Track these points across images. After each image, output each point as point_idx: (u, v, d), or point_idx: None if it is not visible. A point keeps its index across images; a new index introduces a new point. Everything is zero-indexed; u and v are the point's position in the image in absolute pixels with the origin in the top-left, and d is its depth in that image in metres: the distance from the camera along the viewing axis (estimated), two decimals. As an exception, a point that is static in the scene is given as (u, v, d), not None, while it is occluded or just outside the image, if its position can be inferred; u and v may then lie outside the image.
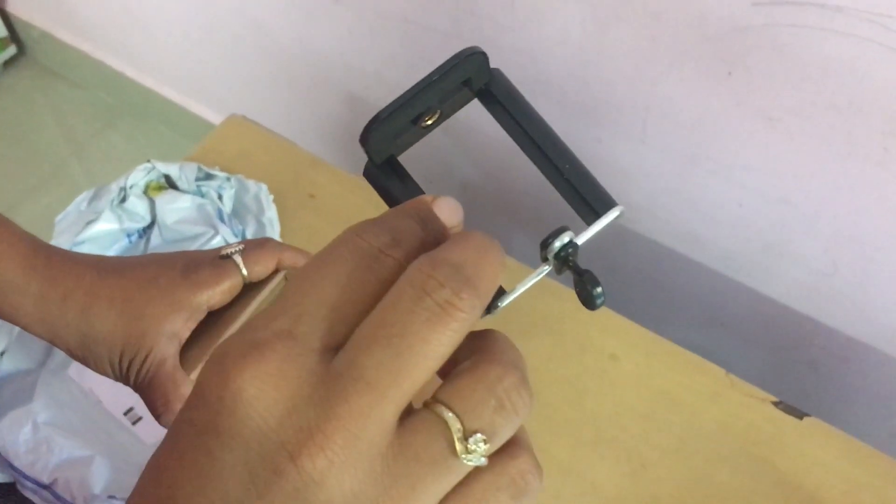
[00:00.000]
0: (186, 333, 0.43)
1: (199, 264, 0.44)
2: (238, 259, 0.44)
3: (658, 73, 0.77)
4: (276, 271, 0.46)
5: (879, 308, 0.82)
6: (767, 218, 0.82)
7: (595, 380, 0.74)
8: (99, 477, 0.62)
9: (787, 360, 0.93)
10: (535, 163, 0.34)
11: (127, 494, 0.62)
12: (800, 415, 0.71)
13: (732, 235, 0.87)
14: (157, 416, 0.41)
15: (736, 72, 0.73)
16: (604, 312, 0.78)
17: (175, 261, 0.44)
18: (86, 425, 0.69)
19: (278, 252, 0.46)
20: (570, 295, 0.79)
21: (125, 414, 0.71)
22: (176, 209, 0.81)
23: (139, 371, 0.41)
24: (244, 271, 0.44)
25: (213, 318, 0.44)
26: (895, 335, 0.83)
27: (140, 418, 0.70)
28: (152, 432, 0.70)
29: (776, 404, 0.72)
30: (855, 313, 0.84)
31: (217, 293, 0.43)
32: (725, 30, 0.70)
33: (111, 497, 0.60)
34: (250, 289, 0.45)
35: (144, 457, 0.68)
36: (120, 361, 0.42)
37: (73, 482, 0.62)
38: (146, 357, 0.41)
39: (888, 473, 0.67)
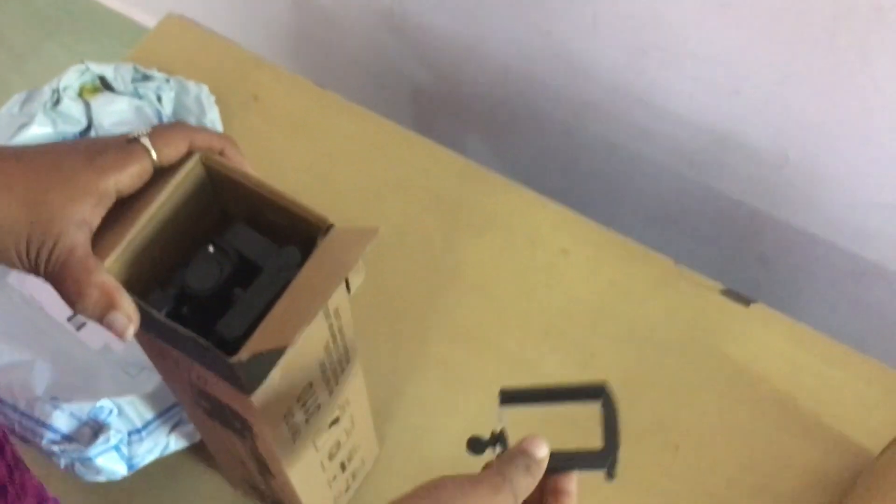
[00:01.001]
0: (96, 220, 0.41)
1: (104, 149, 0.41)
2: (146, 142, 0.42)
3: (607, -41, 0.74)
4: (189, 154, 0.44)
5: (828, 198, 0.82)
6: (719, 110, 0.82)
7: (545, 274, 0.74)
8: (41, 380, 0.61)
9: (738, 254, 0.94)
10: None
11: (69, 396, 0.61)
12: (746, 302, 0.72)
13: (684, 129, 0.86)
14: (72, 305, 0.40)
15: (686, -44, 0.71)
16: (554, 207, 0.77)
17: (79, 146, 0.42)
18: (28, 331, 0.67)
19: (190, 134, 0.44)
20: (520, 190, 0.78)
21: (69, 320, 0.69)
22: (113, 111, 0.78)
23: (48, 260, 0.40)
24: (153, 154, 0.42)
25: (126, 205, 0.42)
26: (843, 225, 0.84)
27: (84, 324, 0.69)
28: (97, 337, 0.69)
29: (723, 292, 0.72)
30: (804, 204, 0.85)
31: (125, 177, 0.41)
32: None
33: (54, 398, 0.59)
34: (163, 174, 0.43)
35: (89, 361, 0.67)
36: (27, 251, 0.40)
37: (15, 385, 0.61)
38: (54, 245, 0.39)
39: (830, 355, 0.69)
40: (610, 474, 0.45)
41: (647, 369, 0.69)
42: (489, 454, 0.44)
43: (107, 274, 0.40)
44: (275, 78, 0.85)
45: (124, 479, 0.61)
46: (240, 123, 0.82)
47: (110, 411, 0.59)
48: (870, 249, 0.85)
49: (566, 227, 0.76)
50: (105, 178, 0.41)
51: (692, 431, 0.66)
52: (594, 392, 0.46)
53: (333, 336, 0.46)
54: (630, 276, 0.74)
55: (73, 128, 0.77)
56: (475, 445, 0.45)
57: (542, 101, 0.95)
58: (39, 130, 0.75)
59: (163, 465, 0.63)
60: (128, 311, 0.40)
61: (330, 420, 0.51)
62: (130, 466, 0.59)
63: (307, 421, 0.48)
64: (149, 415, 0.61)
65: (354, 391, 0.53)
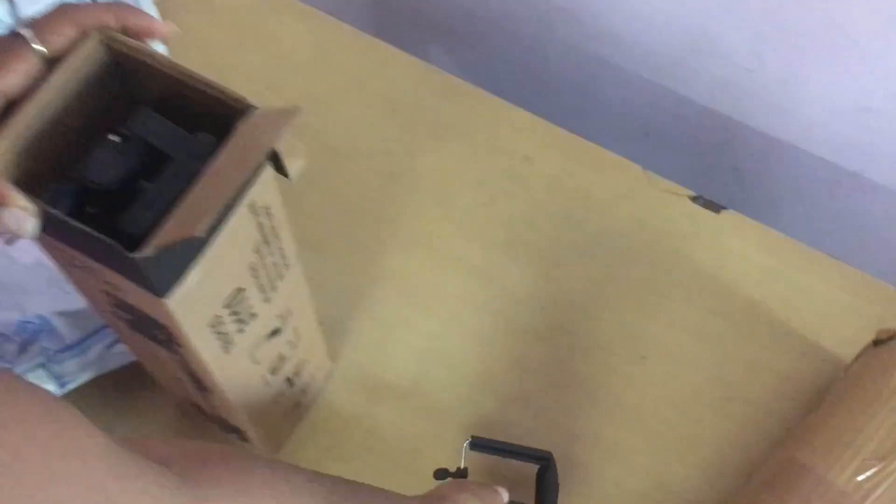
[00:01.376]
0: None
1: None
2: (27, 33, 0.37)
3: None
4: (85, 37, 0.39)
5: (802, 103, 0.78)
6: (692, 9, 0.77)
7: (507, 182, 0.70)
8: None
9: (711, 166, 0.91)
10: None
11: (-5, 312, 0.57)
12: (717, 208, 0.68)
13: (655, 33, 0.81)
14: None
15: None
16: (517, 113, 0.73)
17: None
18: (-47, 247, 0.63)
19: (75, 14, 0.38)
20: (482, 95, 0.74)
21: (-1, 236, 0.65)
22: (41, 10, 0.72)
23: None
24: (39, 47, 0.37)
25: (24, 101, 0.37)
26: (819, 133, 0.81)
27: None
28: (29, 253, 0.64)
29: (694, 199, 0.69)
30: (778, 111, 0.81)
31: (10, 76, 0.36)
32: None
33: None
34: (58, 63, 0.38)
35: (19, 275, 0.63)
36: None
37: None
38: None
39: (802, 260, 0.66)
40: None
41: (612, 279, 0.66)
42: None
43: None
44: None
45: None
46: (181, 25, 0.76)
47: (39, 327, 0.55)
48: (847, 158, 0.82)
49: (530, 134, 0.72)
50: None
51: (659, 342, 0.63)
52: (541, 457, 0.57)
53: (265, 237, 0.41)
54: (596, 185, 0.70)
55: (-3, 29, 0.72)
56: (441, 475, 0.55)
57: (507, 7, 0.90)
58: (-41, 32, 0.69)
59: (101, 385, 0.59)
60: (21, 205, 0.35)
61: (268, 331, 0.47)
62: (62, 385, 0.56)
63: (241, 331, 0.44)
64: (82, 332, 0.57)
65: (297, 301, 0.49)
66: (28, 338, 0.55)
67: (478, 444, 0.58)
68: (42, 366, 0.54)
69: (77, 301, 0.60)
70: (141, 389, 0.61)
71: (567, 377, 0.62)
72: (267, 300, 0.45)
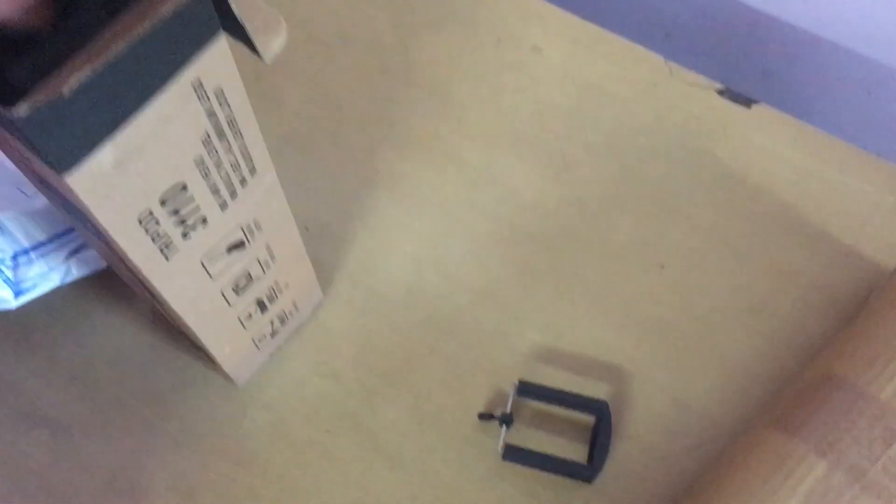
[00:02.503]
0: None
1: None
2: None
3: None
4: None
5: (844, -11, 0.71)
6: None
7: (514, 74, 0.63)
8: None
9: (738, 66, 0.83)
10: None
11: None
12: (748, 102, 0.61)
13: (680, -88, 0.73)
14: None
15: None
16: (525, -1, 0.66)
17: None
18: None
19: None
20: (486, -20, 0.67)
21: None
22: None
23: None
24: None
25: None
26: (856, 26, 0.73)
27: None
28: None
29: (721, 93, 0.62)
30: (813, 2, 0.73)
31: None
32: None
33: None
34: None
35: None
36: None
37: None
38: None
39: (840, 159, 0.59)
40: (590, 482, 0.50)
41: (629, 180, 0.59)
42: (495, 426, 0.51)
43: None
44: None
45: (23, 312, 0.52)
46: None
47: (-11, 228, 0.50)
48: (887, 54, 0.74)
49: (538, 21, 0.65)
50: None
51: (680, 248, 0.57)
52: (596, 407, 0.51)
53: (218, 128, 0.35)
54: (612, 78, 0.63)
55: None
56: (486, 417, 0.52)
57: None
58: None
59: (64, 295, 0.54)
60: None
61: (228, 243, 0.41)
62: (18, 293, 0.50)
63: (185, 235, 0.38)
64: (40, 235, 0.52)
65: (269, 215, 0.43)
66: (-23, 239, 0.49)
67: (526, 390, 0.51)
68: (-8, 270, 0.49)
69: (35, 201, 0.54)
70: (112, 300, 0.56)
71: (577, 287, 0.56)
72: (223, 206, 0.39)
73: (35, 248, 0.51)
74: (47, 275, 0.52)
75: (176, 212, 0.36)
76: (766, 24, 0.78)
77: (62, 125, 0.28)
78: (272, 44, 0.32)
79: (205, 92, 0.33)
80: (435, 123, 0.62)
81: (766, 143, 0.60)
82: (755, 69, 0.84)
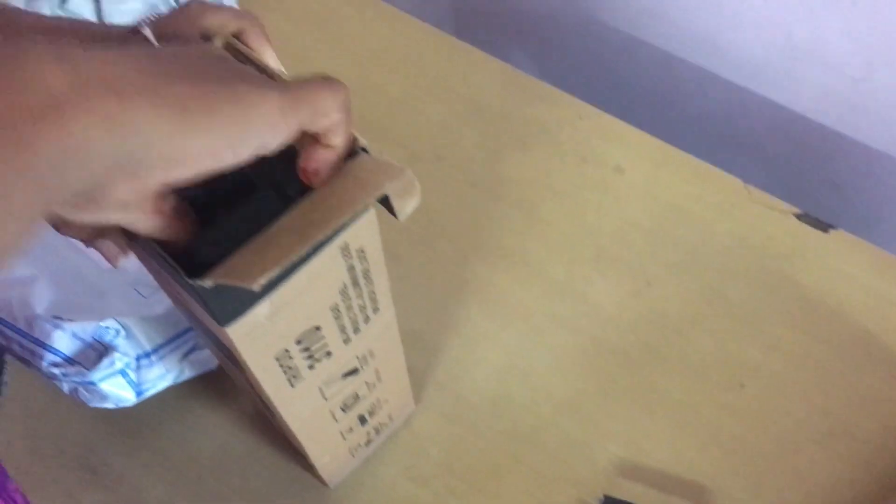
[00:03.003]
0: None
1: (105, 40, 0.34)
2: (148, 32, 0.35)
3: None
4: (207, 40, 0.36)
5: (917, 115, 0.73)
6: (795, 14, 0.72)
7: (597, 193, 0.67)
8: (42, 297, 0.56)
9: (810, 179, 0.86)
10: None
11: (73, 315, 0.56)
12: (824, 227, 0.64)
13: (755, 38, 0.77)
14: (58, 228, 0.35)
15: None
16: (607, 120, 0.70)
17: (78, 33, 0.35)
18: (33, 246, 0.62)
19: (201, 14, 0.36)
20: (569, 100, 0.71)
21: (78, 236, 0.64)
22: (126, 10, 0.71)
23: None
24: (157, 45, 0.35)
25: None
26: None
27: (94, 240, 0.64)
28: (108, 254, 0.63)
29: (799, 217, 0.64)
30: (885, 123, 0.76)
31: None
32: None
33: (56, 318, 0.54)
34: None
35: (99, 279, 0.62)
36: None
37: (15, 302, 0.56)
38: None
39: (920, 287, 0.61)
40: None
41: (709, 300, 0.62)
42: None
43: None
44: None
45: (135, 407, 0.56)
46: (265, 24, 0.75)
47: (116, 332, 0.54)
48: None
49: (620, 142, 0.69)
50: None
51: (760, 368, 0.59)
52: None
53: (354, 280, 0.38)
54: (692, 198, 0.66)
55: (81, 29, 0.71)
56: None
57: (595, 9, 0.86)
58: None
59: (176, 393, 0.58)
60: (118, 240, 0.34)
61: (344, 370, 0.45)
62: (139, 393, 0.54)
63: (311, 367, 0.41)
64: (159, 338, 0.56)
65: (383, 345, 0.46)
66: (106, 343, 0.53)
67: None
68: (121, 373, 0.53)
69: (155, 306, 0.59)
70: (219, 398, 0.59)
71: (658, 403, 0.58)
72: (347, 341, 0.42)
73: (155, 350, 0.55)
74: (164, 376, 0.56)
75: (307, 349, 0.39)
76: (838, 140, 0.80)
77: (234, 292, 0.32)
78: (408, 206, 0.35)
79: (350, 252, 0.36)
80: (521, 237, 0.65)
81: (844, 267, 0.62)
82: (825, 180, 0.86)
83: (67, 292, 0.58)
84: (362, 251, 0.37)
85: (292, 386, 0.41)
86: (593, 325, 0.61)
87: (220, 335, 0.36)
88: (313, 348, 0.40)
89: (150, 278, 0.61)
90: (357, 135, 0.34)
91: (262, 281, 0.30)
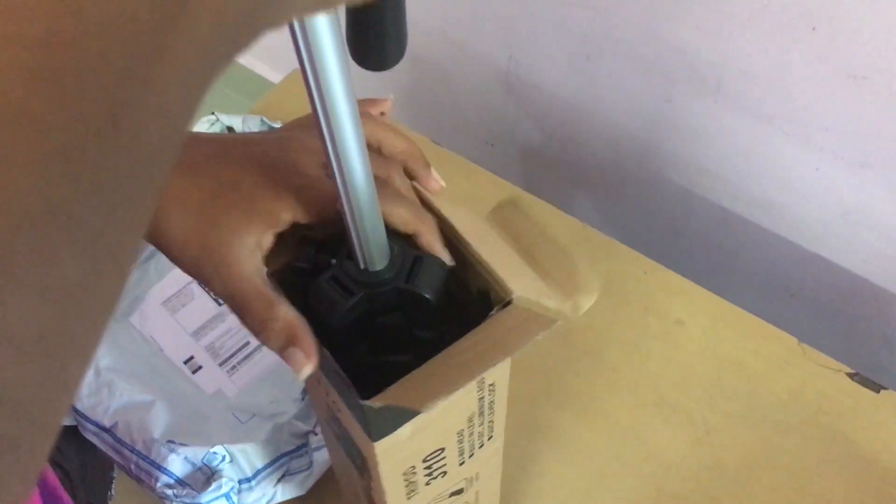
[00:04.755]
0: (269, 244, 0.38)
1: (299, 175, 0.39)
2: None
3: (735, 27, 0.73)
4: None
5: (964, 280, 0.78)
6: (847, 183, 0.79)
7: (659, 343, 0.72)
8: (158, 421, 0.63)
9: (860, 334, 0.89)
10: None
11: (185, 440, 0.62)
12: (876, 387, 0.68)
13: (807, 201, 0.83)
14: (255, 334, 0.38)
15: (820, 27, 0.69)
16: (669, 276, 0.75)
17: (265, 159, 0.39)
18: (146, 371, 0.69)
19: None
20: (634, 256, 0.77)
21: (185, 362, 0.71)
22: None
23: (223, 284, 0.37)
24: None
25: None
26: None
27: (200, 367, 0.71)
28: (212, 381, 0.70)
29: (851, 376, 0.69)
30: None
31: (306, 214, 0.38)
32: (810, -20, 0.66)
33: (170, 441, 0.60)
34: None
35: (203, 404, 0.68)
36: (199, 273, 0.38)
37: (133, 425, 0.62)
38: (228, 272, 0.37)
39: (971, 450, 0.64)
40: None
41: (766, 451, 0.65)
42: None
43: (287, 306, 0.38)
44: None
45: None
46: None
47: (223, 458, 0.60)
48: None
49: (682, 297, 0.74)
50: (286, 207, 0.38)
51: (815, 522, 0.62)
52: None
53: (481, 410, 0.44)
54: (749, 352, 0.71)
55: (199, 176, 0.80)
56: None
57: (656, 166, 0.93)
58: (169, 177, 0.78)
59: (268, 514, 0.63)
60: (307, 349, 0.37)
61: (452, 489, 0.50)
62: (238, 515, 0.60)
63: (427, 483, 0.47)
64: (259, 463, 0.62)
65: (488, 469, 0.52)
66: (213, 468, 0.59)
67: None
68: (225, 496, 0.58)
69: (253, 432, 0.65)
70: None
71: (718, 550, 0.61)
72: (462, 463, 0.48)
73: (255, 475, 0.61)
74: (260, 499, 0.61)
75: (429, 467, 0.45)
76: (889, 298, 0.84)
77: (391, 413, 0.37)
78: (585, 303, 0.41)
79: (484, 386, 0.42)
80: (588, 381, 0.70)
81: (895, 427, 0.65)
82: (878, 335, 0.90)
83: (178, 417, 0.64)
84: (493, 385, 0.43)
85: (408, 498, 0.47)
86: (654, 469, 0.65)
87: (363, 448, 0.42)
88: (434, 467, 0.45)
89: (248, 405, 0.67)
90: (512, 287, 0.40)
91: (432, 407, 0.35)
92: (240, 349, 0.72)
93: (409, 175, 0.44)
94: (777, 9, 0.70)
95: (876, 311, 0.86)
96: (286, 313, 0.37)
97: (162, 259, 0.76)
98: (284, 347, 0.37)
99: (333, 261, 0.40)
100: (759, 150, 0.82)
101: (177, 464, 0.59)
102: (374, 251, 0.38)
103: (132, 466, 0.61)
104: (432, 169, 0.45)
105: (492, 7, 0.92)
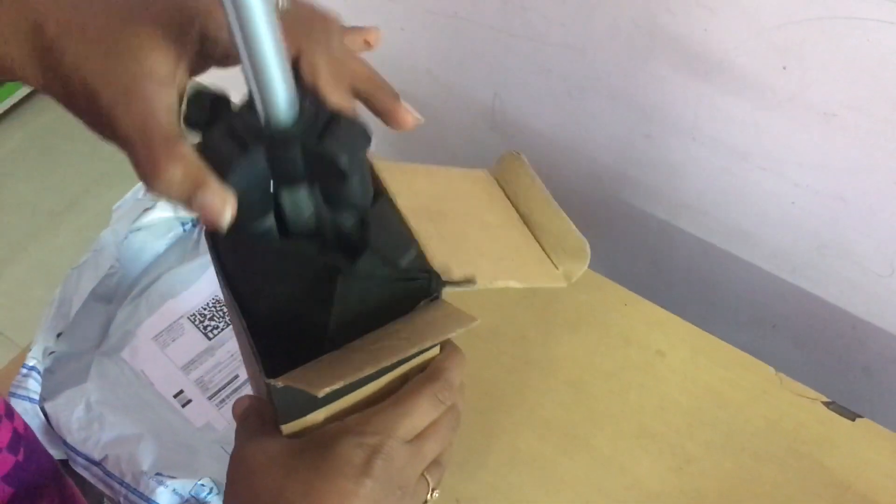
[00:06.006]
0: (185, 81, 0.33)
1: None
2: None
3: (711, 67, 0.76)
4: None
5: (938, 310, 0.79)
6: (821, 216, 0.81)
7: (640, 374, 0.73)
8: (147, 455, 0.64)
9: (840, 363, 0.91)
10: None
11: (174, 472, 0.63)
12: (852, 416, 0.69)
13: (784, 234, 0.85)
14: (144, 178, 0.31)
15: (790, 65, 0.71)
16: (650, 307, 0.77)
17: None
18: (136, 405, 0.70)
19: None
20: (615, 288, 0.79)
21: (175, 396, 0.72)
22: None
23: (122, 122, 0.31)
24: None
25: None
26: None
27: (189, 401, 0.72)
28: (201, 414, 0.71)
29: (827, 405, 0.70)
30: (911, 315, 0.82)
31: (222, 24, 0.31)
32: (780, 22, 0.69)
33: (158, 474, 0.61)
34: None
35: (192, 437, 0.70)
36: (98, 110, 0.31)
37: (123, 459, 0.63)
38: (130, 104, 0.30)
39: (944, 477, 0.65)
40: None
41: (745, 480, 0.67)
42: None
43: (191, 148, 0.31)
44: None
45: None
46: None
47: (210, 490, 0.61)
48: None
49: (662, 328, 0.76)
50: (201, 29, 0.33)
51: (793, 549, 0.63)
52: None
53: None
54: (728, 382, 0.72)
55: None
56: None
57: (637, 201, 0.96)
58: (161, 215, 0.80)
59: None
60: (219, 191, 0.31)
61: None
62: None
63: None
64: None
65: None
66: (201, 499, 0.60)
67: None
68: (212, 528, 0.59)
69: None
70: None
71: (698, 578, 0.62)
72: None
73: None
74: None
75: None
76: (867, 328, 0.86)
77: (299, 396, 0.35)
78: (576, 270, 0.42)
79: (410, 379, 0.43)
80: (570, 412, 0.72)
81: (871, 455, 0.67)
82: (857, 364, 0.91)
83: (167, 450, 0.66)
84: (406, 376, 0.43)
85: None
86: (635, 498, 0.67)
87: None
88: None
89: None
90: (442, 277, 0.39)
91: (326, 390, 0.33)
92: (228, 383, 0.73)
93: (374, 110, 0.38)
94: (748, 48, 0.72)
95: (854, 341, 0.88)
96: (191, 153, 0.31)
97: (153, 295, 0.78)
98: (192, 193, 0.31)
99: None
100: (736, 185, 0.84)
101: (165, 496, 0.60)
102: (275, 95, 0.32)
103: (122, 500, 0.62)
104: (402, 101, 0.38)
105: (477, 47, 0.94)
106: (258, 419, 0.41)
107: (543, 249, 0.46)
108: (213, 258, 0.40)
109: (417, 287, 0.39)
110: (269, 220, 0.36)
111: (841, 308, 0.87)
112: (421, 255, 0.39)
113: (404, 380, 0.43)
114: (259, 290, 0.38)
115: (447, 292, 0.41)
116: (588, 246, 0.45)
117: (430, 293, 0.40)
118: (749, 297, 0.94)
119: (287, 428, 0.40)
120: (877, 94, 0.68)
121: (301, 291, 0.37)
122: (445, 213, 0.44)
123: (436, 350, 0.42)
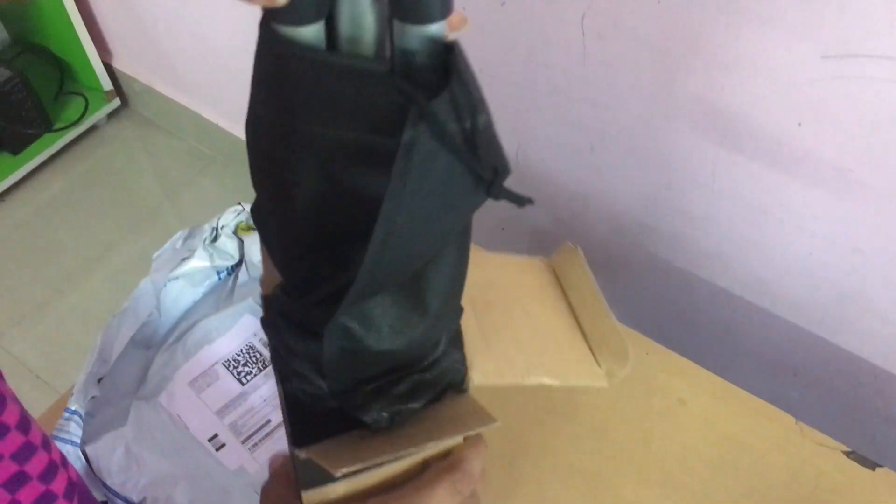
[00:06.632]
0: None
1: None
2: None
3: (728, 122, 0.78)
4: None
5: (958, 360, 0.80)
6: (839, 268, 0.82)
7: (662, 422, 0.75)
8: (183, 497, 0.66)
9: (860, 411, 0.92)
10: None
11: (209, 514, 0.65)
12: (872, 465, 0.70)
13: (803, 285, 0.87)
14: None
15: (805, 122, 0.74)
16: (671, 356, 0.79)
17: None
18: (173, 449, 0.73)
19: None
20: (636, 337, 0.81)
21: (210, 440, 0.75)
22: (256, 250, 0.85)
23: None
24: None
25: None
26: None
27: (223, 444, 0.74)
28: (234, 458, 0.74)
29: (848, 454, 0.71)
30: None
31: None
32: (795, 82, 0.71)
33: (195, 516, 0.64)
34: None
35: (225, 480, 0.72)
36: None
37: (160, 501, 0.66)
38: None
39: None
40: None
41: (767, 528, 0.68)
42: None
43: None
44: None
45: None
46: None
47: (244, 532, 0.63)
48: None
49: (684, 377, 0.78)
50: None
51: None
52: None
53: None
54: (749, 431, 0.73)
55: (226, 262, 0.86)
56: None
57: (658, 250, 0.98)
58: (198, 264, 0.84)
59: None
60: None
61: None
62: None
63: None
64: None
65: None
66: (235, 541, 0.62)
67: None
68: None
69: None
70: None
71: None
72: None
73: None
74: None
75: None
76: (887, 378, 0.87)
77: (318, 469, 0.37)
78: (619, 372, 0.43)
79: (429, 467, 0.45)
80: (594, 459, 0.73)
81: (892, 504, 0.68)
82: (878, 413, 0.92)
83: (202, 492, 0.68)
84: (427, 463, 0.45)
85: None
86: (659, 546, 0.68)
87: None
88: None
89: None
90: (470, 375, 0.43)
91: (344, 471, 0.35)
92: (261, 427, 0.75)
93: None
94: (764, 106, 0.75)
95: (873, 391, 0.89)
96: None
97: (189, 342, 0.81)
98: None
99: None
100: (755, 236, 0.86)
101: (201, 538, 0.63)
102: None
103: (158, 540, 0.65)
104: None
105: (502, 101, 0.98)
106: (285, 482, 0.43)
107: (588, 345, 0.48)
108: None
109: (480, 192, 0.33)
110: (319, 27, 0.30)
111: (862, 357, 0.88)
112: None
113: (425, 464, 0.44)
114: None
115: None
116: (630, 349, 0.47)
117: (461, 385, 0.42)
118: (769, 345, 0.96)
119: (307, 497, 0.41)
120: (890, 150, 0.70)
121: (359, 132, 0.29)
122: (492, 302, 0.45)
123: (458, 438, 0.43)
